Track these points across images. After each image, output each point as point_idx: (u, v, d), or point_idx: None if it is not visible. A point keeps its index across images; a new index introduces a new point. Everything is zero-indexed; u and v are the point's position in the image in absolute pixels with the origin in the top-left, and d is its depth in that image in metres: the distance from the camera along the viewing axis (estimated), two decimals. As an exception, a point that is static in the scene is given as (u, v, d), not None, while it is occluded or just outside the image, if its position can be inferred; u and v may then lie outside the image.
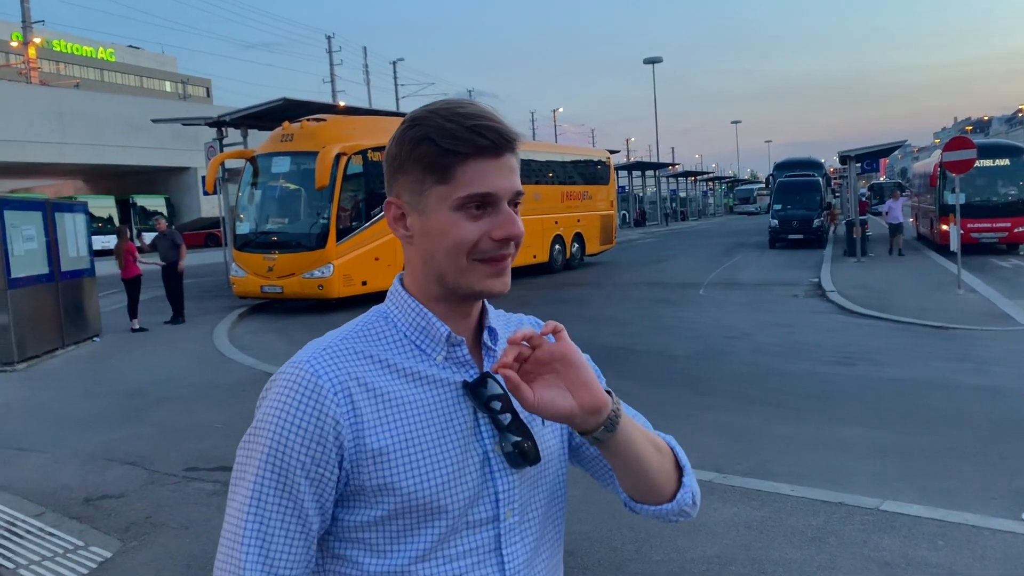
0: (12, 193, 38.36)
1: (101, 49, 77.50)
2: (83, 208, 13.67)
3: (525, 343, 1.04)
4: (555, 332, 1.05)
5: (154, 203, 40.47)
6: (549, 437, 1.20)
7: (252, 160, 16.71)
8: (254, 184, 16.58)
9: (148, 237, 30.47)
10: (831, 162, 59.13)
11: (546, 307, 15.10)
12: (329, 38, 56.86)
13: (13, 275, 10.65)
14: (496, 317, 1.23)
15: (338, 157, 15.18)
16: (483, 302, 1.18)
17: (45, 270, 11.59)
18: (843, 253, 23.48)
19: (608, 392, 1.08)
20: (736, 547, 4.36)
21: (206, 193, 19.35)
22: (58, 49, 71.11)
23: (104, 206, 37.97)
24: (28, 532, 4.89)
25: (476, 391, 1.10)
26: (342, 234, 15.48)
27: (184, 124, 23.00)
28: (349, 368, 1.05)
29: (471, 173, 1.06)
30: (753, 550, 4.33)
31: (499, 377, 1.09)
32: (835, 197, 39.89)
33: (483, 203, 1.07)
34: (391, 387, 1.06)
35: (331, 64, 57.06)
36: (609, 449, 1.09)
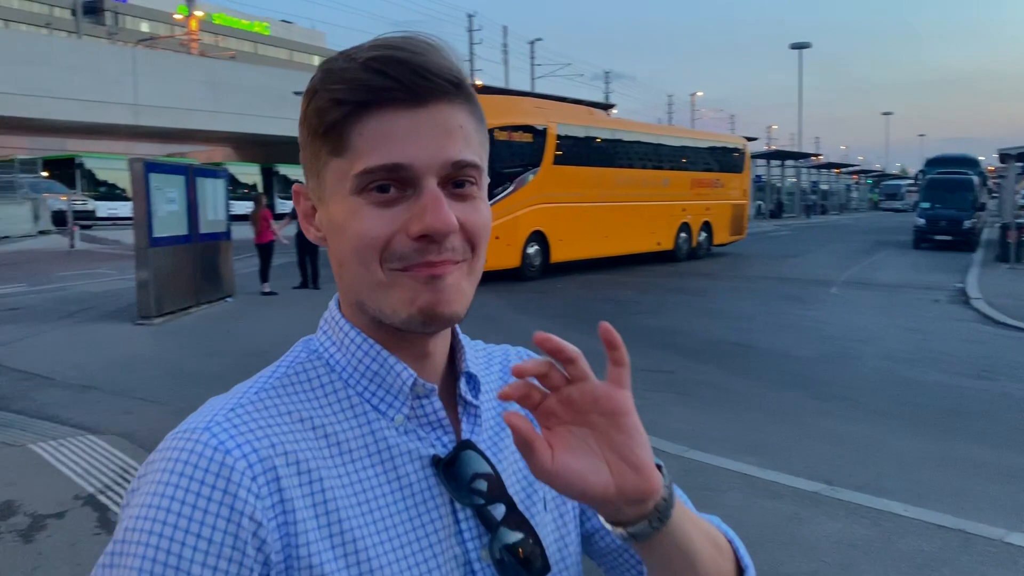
0: (169, 157, 40.93)
1: (257, 23, 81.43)
2: (224, 174, 14.38)
3: (534, 379, 0.67)
4: (616, 356, 0.67)
5: (296, 172, 42.19)
6: (556, 526, 0.84)
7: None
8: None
9: (288, 206, 31.81)
10: (990, 161, 55.11)
11: (663, 296, 14.78)
12: (471, 17, 57.47)
13: (155, 235, 11.30)
14: (473, 355, 0.85)
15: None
16: (454, 335, 0.82)
17: (184, 231, 12.25)
18: (995, 258, 21.84)
19: (658, 466, 0.71)
20: (835, 567, 4.09)
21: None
22: (218, 22, 75.22)
23: (249, 173, 39.94)
24: (139, 479, 5.15)
25: (454, 470, 0.74)
26: (460, 213, 15.63)
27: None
28: (272, 436, 0.68)
29: (371, 135, 0.69)
30: (853, 571, 4.04)
31: (482, 448, 0.77)
32: (992, 197, 37.16)
33: (396, 182, 0.70)
34: (333, 467, 0.70)
35: (471, 43, 57.67)
36: (651, 548, 0.72)
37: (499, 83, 54.27)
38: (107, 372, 8.16)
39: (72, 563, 4.05)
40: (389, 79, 0.68)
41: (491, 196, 16.14)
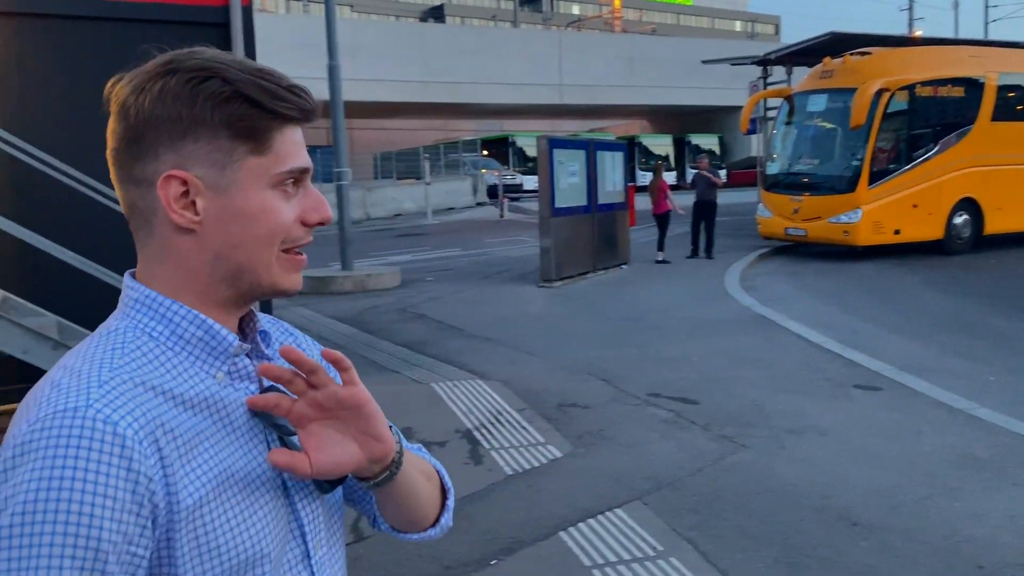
0: (589, 132, 43.57)
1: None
2: (622, 148, 15.06)
3: (299, 372, 0.85)
4: (340, 368, 0.87)
5: (708, 142, 42.31)
6: None
7: (788, 99, 16.41)
8: (788, 123, 16.30)
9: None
10: None
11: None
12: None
13: (556, 205, 12.29)
14: (263, 317, 1.04)
15: (879, 93, 14.06)
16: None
17: (584, 202, 13.13)
18: None
19: (390, 427, 0.93)
20: None
21: (749, 132, 19.63)
22: (641, -2, 77.72)
23: (661, 144, 40.99)
24: (508, 422, 5.79)
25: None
26: (876, 177, 14.39)
27: (732, 64, 23.46)
28: (144, 407, 0.80)
29: (289, 143, 0.88)
30: None
31: (282, 387, 0.92)
32: None
33: (295, 181, 0.90)
34: (185, 423, 0.83)
35: (909, -11, 52.10)
36: (388, 491, 0.95)
37: (946, 32, 48.32)
38: (504, 326, 9.19)
39: (442, 486, 4.74)
40: (308, 103, 0.89)
41: (909, 160, 14.70)
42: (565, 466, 5.01)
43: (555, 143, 12.50)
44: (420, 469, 1.04)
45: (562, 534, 4.10)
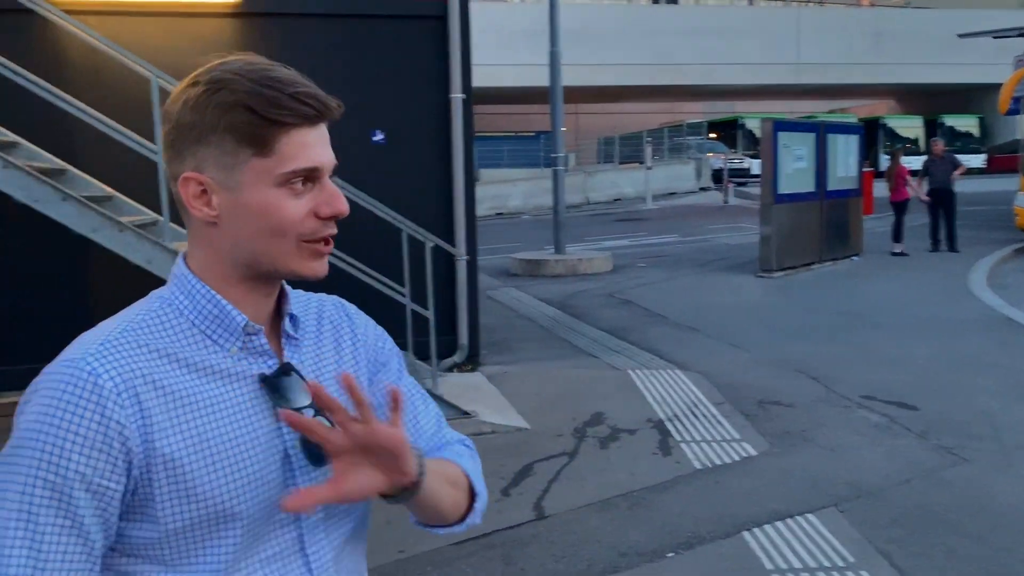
0: (830, 113, 41.01)
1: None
2: (858, 131, 14.04)
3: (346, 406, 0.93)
4: (392, 407, 0.94)
5: (965, 123, 38.38)
6: None
7: (1059, 74, 14.54)
8: (1057, 103, 14.46)
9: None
10: None
11: None
12: None
13: (780, 191, 11.73)
14: (296, 299, 1.12)
15: None
16: (282, 284, 1.08)
17: (811, 188, 12.42)
18: None
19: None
20: None
21: (1010, 112, 17.66)
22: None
23: (910, 126, 37.72)
24: (703, 415, 5.66)
25: (274, 384, 1.01)
26: None
27: (995, 37, 21.10)
28: (133, 364, 0.93)
29: (295, 145, 0.96)
30: None
31: (298, 368, 1.03)
32: None
33: (308, 178, 0.98)
34: (181, 384, 0.96)
35: None
36: (414, 502, 1.03)
37: None
38: (712, 317, 8.94)
39: (628, 472, 4.75)
40: (312, 108, 0.96)
41: None
42: (758, 465, 4.83)
43: (780, 125, 11.92)
44: (447, 477, 1.11)
45: (745, 534, 3.97)
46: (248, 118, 0.94)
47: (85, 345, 0.94)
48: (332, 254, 4.71)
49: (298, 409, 0.98)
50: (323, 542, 1.05)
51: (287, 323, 1.06)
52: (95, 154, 5.64)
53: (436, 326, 6.62)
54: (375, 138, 6.57)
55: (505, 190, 25.38)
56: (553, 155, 13.18)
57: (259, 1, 6.23)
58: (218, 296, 1.00)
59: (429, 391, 5.13)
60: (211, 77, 0.96)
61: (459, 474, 1.16)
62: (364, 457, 0.94)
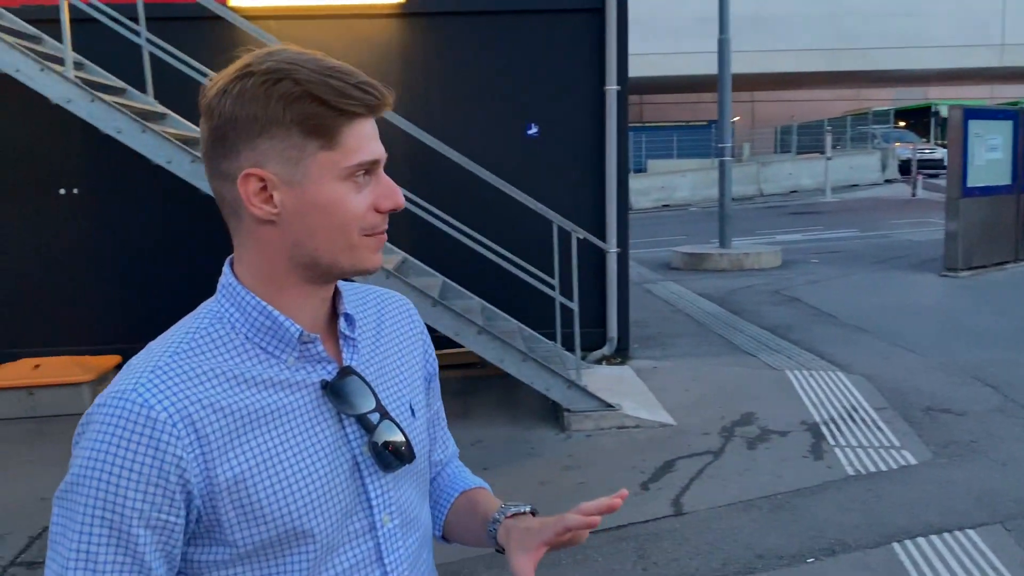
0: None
1: None
2: (1064, 116, 12.69)
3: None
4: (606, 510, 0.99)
5: None
6: (421, 430, 1.10)
7: None
8: None
9: None
10: None
11: None
12: None
13: (968, 184, 10.85)
14: (351, 293, 1.10)
15: None
16: (335, 284, 1.04)
17: (1006, 181, 11.40)
18: None
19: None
20: None
21: None
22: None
23: None
24: (862, 420, 5.38)
25: (337, 390, 0.98)
26: None
27: None
28: (187, 390, 0.90)
29: (358, 137, 0.93)
30: None
31: (359, 370, 1.01)
32: None
33: (366, 171, 0.95)
34: (240, 402, 0.92)
35: None
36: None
37: None
38: (885, 317, 8.43)
39: (774, 474, 4.61)
40: (375, 98, 0.93)
41: None
42: (918, 475, 4.54)
43: (971, 113, 11.00)
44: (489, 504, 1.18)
45: (895, 545, 3.76)
46: (316, 109, 0.90)
47: (136, 373, 0.90)
48: (484, 244, 4.94)
49: (363, 414, 0.98)
50: (400, 551, 1.03)
51: (343, 323, 1.03)
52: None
53: (586, 319, 6.67)
54: (529, 131, 6.69)
55: (672, 181, 24.96)
56: (720, 145, 12.81)
57: (420, 1, 6.49)
58: (269, 308, 0.96)
59: (572, 382, 5.21)
60: (268, 67, 0.91)
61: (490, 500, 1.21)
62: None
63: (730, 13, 12.61)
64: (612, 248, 6.70)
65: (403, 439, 1.00)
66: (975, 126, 10.88)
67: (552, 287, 5.86)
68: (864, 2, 31.64)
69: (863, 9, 31.26)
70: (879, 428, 5.23)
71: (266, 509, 0.91)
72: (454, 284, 6.26)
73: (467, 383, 6.51)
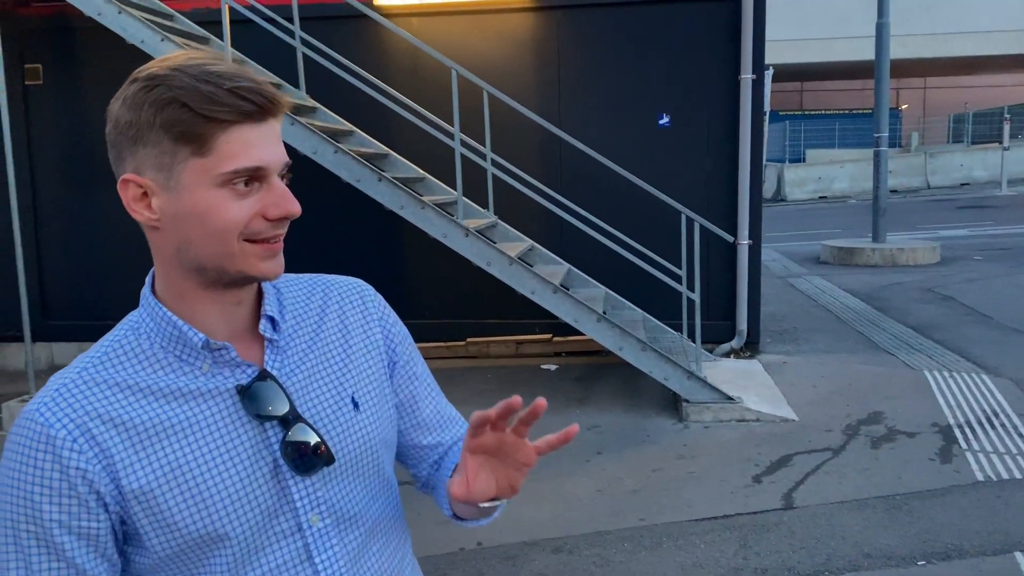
0: None
1: None
2: None
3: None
4: (530, 419, 0.93)
5: None
6: (368, 422, 1.07)
7: None
8: None
9: None
10: None
11: None
12: None
13: None
14: (289, 287, 1.09)
15: None
16: (260, 285, 1.03)
17: None
18: None
19: None
20: None
21: None
22: None
23: None
24: (1001, 425, 5.09)
25: (252, 394, 0.97)
26: None
27: None
28: (87, 406, 0.93)
29: (235, 143, 0.89)
30: None
31: (283, 371, 1.01)
32: None
33: (252, 178, 0.91)
34: (145, 416, 0.94)
35: None
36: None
37: None
38: (1049, 320, 7.84)
39: (894, 475, 4.46)
40: (252, 105, 0.90)
41: None
42: (1055, 484, 4.28)
43: None
44: None
45: (1018, 554, 3.59)
46: (183, 115, 0.89)
47: (46, 391, 0.95)
48: (610, 235, 5.10)
49: (276, 416, 0.97)
50: (334, 549, 1.02)
51: (263, 326, 1.02)
52: (412, 140, 6.42)
53: (715, 311, 6.64)
54: (661, 122, 6.70)
55: (831, 172, 23.91)
56: (877, 135, 12.20)
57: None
58: (173, 317, 0.97)
59: (692, 372, 5.24)
60: (149, 73, 0.91)
61: None
62: (490, 461, 0.97)
63: (895, -4, 11.94)
64: (743, 240, 6.62)
65: (317, 440, 0.98)
66: None
67: (679, 279, 5.89)
68: (1055, -23, 28.96)
69: (1053, -15, 28.64)
70: (1019, 434, 4.94)
71: (176, 518, 0.93)
72: (580, 273, 6.39)
73: (590, 369, 6.63)
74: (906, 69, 31.47)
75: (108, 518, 0.93)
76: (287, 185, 0.96)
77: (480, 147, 5.94)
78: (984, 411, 5.35)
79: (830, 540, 3.80)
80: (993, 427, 5.07)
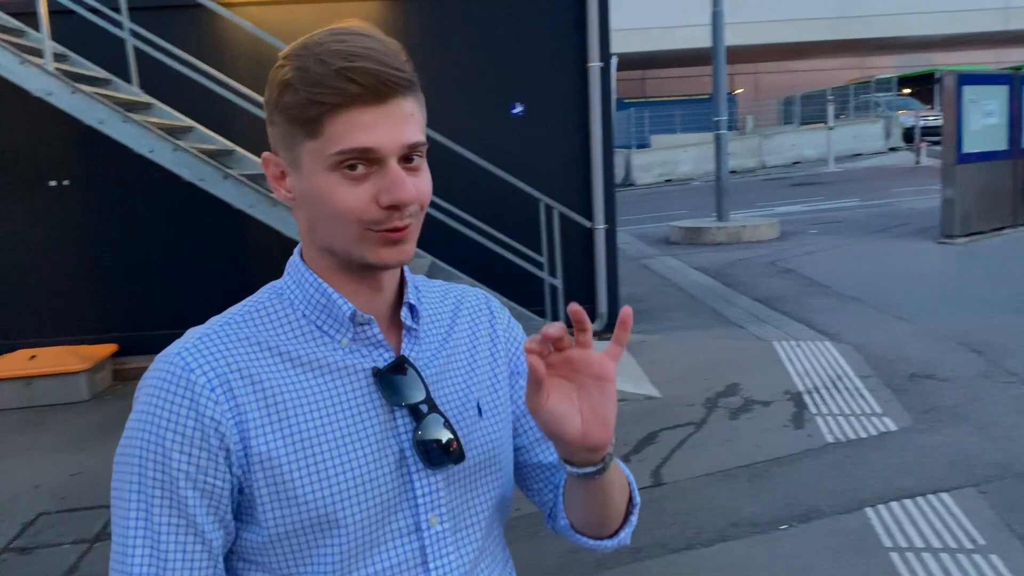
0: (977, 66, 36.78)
1: None
2: (1062, 79, 12.59)
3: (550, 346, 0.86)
4: (583, 326, 0.87)
5: None
6: (490, 431, 1.02)
7: None
8: None
9: None
10: None
11: None
12: None
13: (964, 150, 10.80)
14: (426, 288, 1.07)
15: None
16: (403, 270, 1.02)
17: (1003, 146, 11.34)
18: None
19: None
20: None
21: None
22: None
23: None
24: (845, 388, 5.43)
25: (388, 379, 0.94)
26: None
27: None
28: (230, 358, 0.90)
29: (344, 124, 0.86)
30: None
31: (417, 361, 0.97)
32: None
33: (365, 160, 0.87)
34: (284, 379, 0.91)
35: None
36: (586, 486, 0.96)
37: None
38: (880, 286, 8.44)
39: (753, 444, 4.66)
40: (360, 87, 0.85)
41: None
42: (896, 441, 4.59)
43: (965, 79, 10.93)
44: (619, 476, 1.04)
45: (868, 510, 3.82)
46: (295, 98, 0.88)
47: (186, 339, 0.92)
48: (472, 225, 4.99)
49: (411, 405, 0.94)
50: (450, 557, 0.97)
51: (404, 313, 0.99)
52: (257, 135, 6.13)
53: (575, 295, 6.72)
54: (514, 111, 6.71)
55: (675, 156, 24.89)
56: (716, 119, 12.77)
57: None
58: (324, 284, 0.95)
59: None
60: (286, 52, 0.91)
61: (625, 478, 1.07)
62: (571, 389, 0.88)
63: (726, -16, 12.52)
64: (600, 225, 6.74)
65: (450, 436, 0.94)
66: (970, 92, 10.83)
67: (540, 266, 5.92)
68: (866, -31, 31.23)
69: (865, -24, 30.87)
70: (862, 396, 5.28)
71: (297, 491, 0.89)
72: (443, 264, 6.31)
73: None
74: (740, 55, 33.13)
75: (231, 479, 0.89)
76: (412, 169, 0.91)
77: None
78: (830, 376, 5.69)
79: (699, 513, 3.92)
80: (839, 391, 5.40)
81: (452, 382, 1.01)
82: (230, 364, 0.90)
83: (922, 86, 32.09)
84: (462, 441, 0.96)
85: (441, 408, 0.96)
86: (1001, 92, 11.30)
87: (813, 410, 5.10)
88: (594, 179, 6.69)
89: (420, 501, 0.94)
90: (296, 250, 1.00)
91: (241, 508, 0.91)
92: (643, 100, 36.03)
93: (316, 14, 6.41)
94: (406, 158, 0.90)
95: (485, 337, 1.08)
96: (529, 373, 0.83)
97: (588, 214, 6.62)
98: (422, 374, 0.96)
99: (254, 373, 0.90)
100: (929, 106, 30.58)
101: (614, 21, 6.69)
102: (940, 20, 31.55)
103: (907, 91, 31.56)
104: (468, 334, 1.06)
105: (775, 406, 5.23)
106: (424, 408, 0.94)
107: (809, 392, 5.41)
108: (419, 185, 0.91)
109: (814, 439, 4.67)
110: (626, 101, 32.81)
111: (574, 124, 6.72)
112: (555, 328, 0.83)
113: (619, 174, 23.89)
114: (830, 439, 4.65)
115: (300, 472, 0.89)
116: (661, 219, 15.00)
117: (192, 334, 0.93)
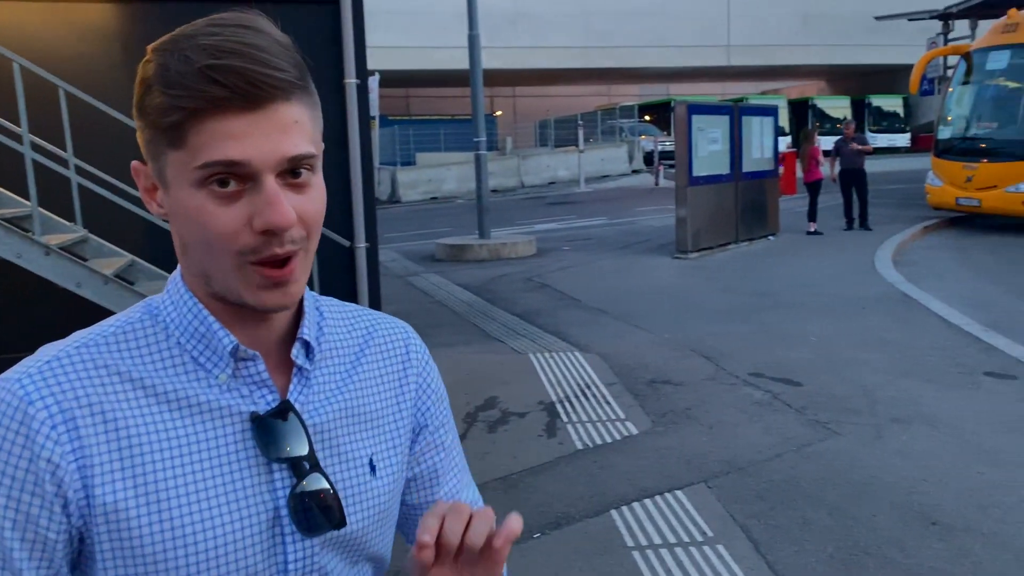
0: (762, 95, 41.55)
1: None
2: (772, 112, 14.33)
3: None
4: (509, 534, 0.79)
5: (890, 104, 39.33)
6: (380, 492, 0.89)
7: (967, 56, 15.06)
8: (965, 83, 14.98)
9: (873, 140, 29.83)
10: None
11: None
12: None
13: (695, 174, 11.93)
14: (333, 314, 0.92)
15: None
16: (300, 303, 0.86)
17: (725, 171, 12.66)
18: None
19: None
20: None
21: (923, 93, 18.19)
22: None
23: (838, 106, 38.50)
24: (593, 396, 5.78)
25: (268, 426, 0.80)
26: (1065, 142, 13.01)
27: (909, 19, 21.70)
28: (80, 390, 0.76)
29: (208, 134, 0.72)
30: None
31: (305, 408, 0.84)
32: None
33: (236, 176, 0.74)
34: (144, 418, 0.77)
35: None
36: None
37: None
38: (623, 299, 9.09)
39: (510, 455, 4.83)
40: (226, 89, 0.72)
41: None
42: (638, 444, 4.95)
43: (694, 108, 12.12)
44: None
45: (613, 512, 4.08)
46: (155, 99, 0.74)
47: (34, 360, 0.78)
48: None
49: (291, 459, 0.79)
50: None
51: (296, 350, 0.84)
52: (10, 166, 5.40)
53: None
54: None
55: (440, 174, 25.32)
56: (476, 139, 13.16)
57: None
58: (204, 311, 0.81)
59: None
60: (155, 44, 0.77)
61: None
62: (454, 569, 0.78)
63: (485, 10, 13.02)
64: (360, 243, 6.68)
65: (332, 497, 0.80)
66: (698, 120, 12.00)
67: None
68: (613, 3, 33.70)
69: (613, 9, 33.30)
70: (607, 403, 5.64)
71: (145, 548, 0.75)
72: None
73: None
74: (498, 78, 34.35)
75: (68, 530, 0.75)
76: (297, 186, 0.77)
77: (61, 152, 5.24)
78: (579, 385, 6.03)
79: (458, 527, 3.98)
80: (587, 399, 5.73)
81: (345, 432, 0.88)
82: (79, 397, 0.76)
83: (660, 114, 35.06)
84: (346, 504, 0.84)
85: (328, 463, 0.84)
86: (723, 121, 12.63)
87: (564, 419, 5.37)
88: (354, 197, 6.63)
89: (291, 568, 0.81)
90: (178, 267, 0.84)
91: (78, 563, 0.78)
92: (407, 118, 36.31)
93: (43, 14, 5.84)
94: (291, 172, 0.76)
95: (393, 381, 0.94)
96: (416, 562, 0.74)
97: (349, 233, 6.54)
98: (308, 425, 0.82)
99: (107, 409, 0.76)
100: (666, 132, 33.44)
101: (376, 39, 6.71)
102: (673, 54, 34.76)
103: (648, 118, 34.38)
104: (375, 374, 0.92)
105: (530, 416, 5.45)
106: (306, 465, 0.80)
107: (561, 401, 5.69)
108: (302, 206, 0.76)
109: (565, 446, 4.92)
110: (390, 118, 32.90)
111: (333, 141, 6.62)
112: (478, 531, 0.77)
113: (385, 191, 23.89)
114: (579, 446, 4.92)
115: (152, 528, 0.75)
116: (427, 236, 15.18)
117: (42, 355, 0.78)
